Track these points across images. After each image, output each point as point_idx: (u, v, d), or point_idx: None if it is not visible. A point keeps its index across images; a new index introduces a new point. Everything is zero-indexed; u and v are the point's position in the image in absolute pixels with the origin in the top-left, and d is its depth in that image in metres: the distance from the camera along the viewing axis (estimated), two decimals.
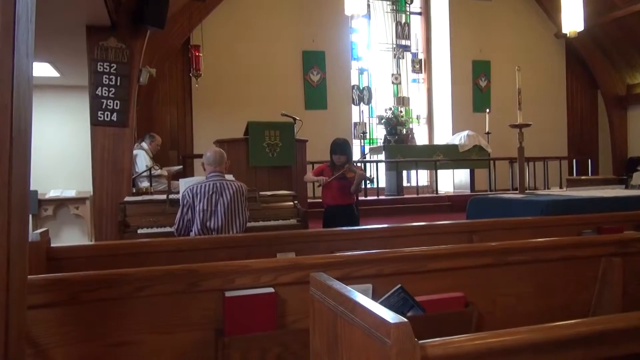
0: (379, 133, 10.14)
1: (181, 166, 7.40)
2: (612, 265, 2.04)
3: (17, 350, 0.99)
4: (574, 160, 10.52)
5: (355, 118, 10.08)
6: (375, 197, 8.18)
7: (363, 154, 9.06)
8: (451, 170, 9.57)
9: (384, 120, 9.48)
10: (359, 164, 6.59)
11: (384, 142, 9.37)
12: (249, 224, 3.72)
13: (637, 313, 1.13)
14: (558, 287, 2.05)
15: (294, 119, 5.48)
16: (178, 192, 4.01)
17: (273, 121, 5.46)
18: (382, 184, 8.89)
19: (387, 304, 1.62)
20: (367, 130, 10.14)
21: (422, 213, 7.46)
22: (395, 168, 8.57)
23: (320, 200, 4.53)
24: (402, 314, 1.64)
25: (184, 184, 3.88)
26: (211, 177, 3.43)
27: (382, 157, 8.75)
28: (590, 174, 10.37)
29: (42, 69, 6.17)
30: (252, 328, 1.66)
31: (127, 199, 4.22)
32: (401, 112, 9.89)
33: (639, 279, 2.07)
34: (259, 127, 5.28)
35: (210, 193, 3.34)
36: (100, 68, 4.87)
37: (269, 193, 4.46)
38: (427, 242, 2.62)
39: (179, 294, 1.66)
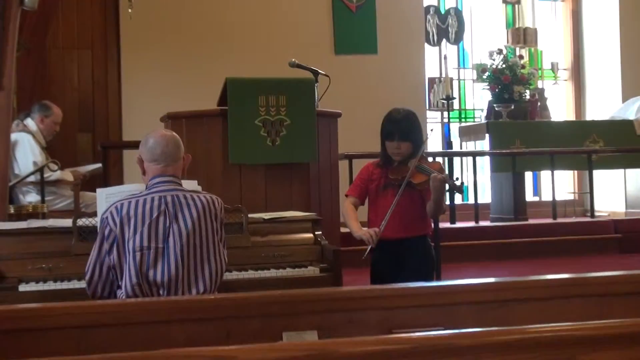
0: (479, 100, 10.12)
1: (99, 164, 7.46)
2: None
3: None
4: None
5: (431, 71, 10.07)
6: (471, 224, 8.17)
7: (447, 140, 9.01)
8: (621, 171, 9.45)
9: (488, 74, 9.42)
10: (436, 160, 6.55)
11: (487, 117, 9.35)
12: (228, 275, 3.71)
13: None
14: None
15: (315, 74, 5.50)
16: (95, 215, 4.04)
17: (274, 78, 5.48)
18: (485, 197, 8.82)
19: None
20: (456, 94, 10.10)
21: (563, 255, 7.46)
22: (510, 167, 8.51)
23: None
24: None
25: (104, 198, 3.91)
26: (156, 186, 3.45)
27: (484, 145, 8.67)
28: None
29: None
30: None
31: None
32: (521, 57, 9.84)
33: None
34: (248, 88, 5.29)
35: (155, 215, 3.36)
36: None
37: (266, 216, 4.49)
38: (574, 310, 2.61)
39: None
